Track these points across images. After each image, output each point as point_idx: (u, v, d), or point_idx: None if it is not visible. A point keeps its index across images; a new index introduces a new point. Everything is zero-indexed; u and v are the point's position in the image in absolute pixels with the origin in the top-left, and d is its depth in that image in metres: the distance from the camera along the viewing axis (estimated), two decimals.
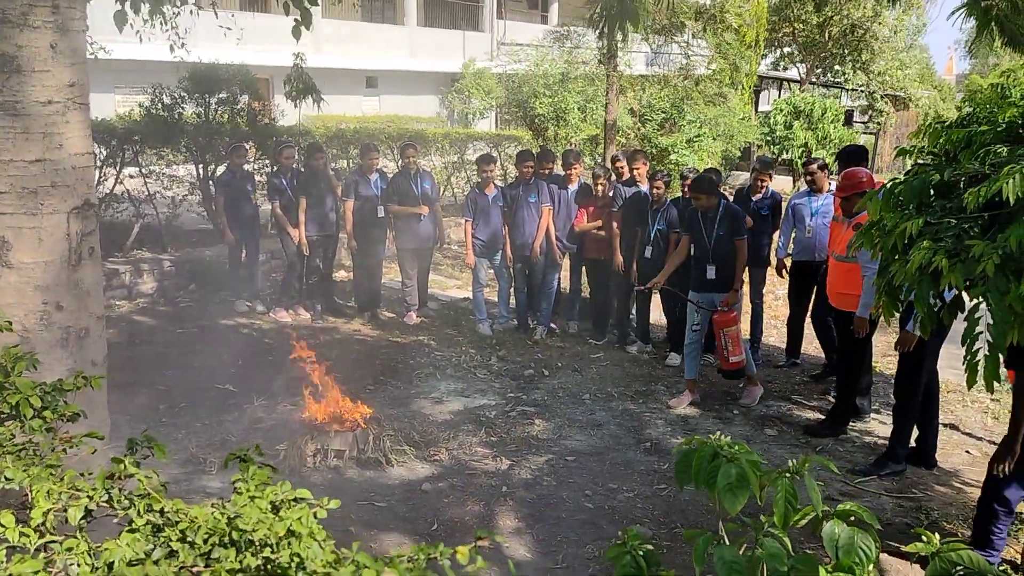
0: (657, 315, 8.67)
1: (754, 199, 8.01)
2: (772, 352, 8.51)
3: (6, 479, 1.56)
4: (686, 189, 7.87)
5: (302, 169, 8.94)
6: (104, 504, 1.53)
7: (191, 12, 6.09)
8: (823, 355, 7.73)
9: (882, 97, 24.60)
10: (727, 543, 1.77)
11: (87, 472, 1.61)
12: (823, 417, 6.63)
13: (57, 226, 3.17)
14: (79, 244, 3.23)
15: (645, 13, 10.76)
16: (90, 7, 5.52)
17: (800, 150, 19.63)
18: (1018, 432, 4.39)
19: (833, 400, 6.82)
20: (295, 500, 1.51)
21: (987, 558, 4.50)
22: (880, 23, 23.49)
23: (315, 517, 1.49)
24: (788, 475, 1.84)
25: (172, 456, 5.49)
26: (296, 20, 4.96)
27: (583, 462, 5.72)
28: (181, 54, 8.54)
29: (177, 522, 1.44)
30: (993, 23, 5.29)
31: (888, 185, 3.27)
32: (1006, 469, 4.28)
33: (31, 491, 1.53)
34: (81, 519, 1.52)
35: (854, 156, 6.98)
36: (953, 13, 5.73)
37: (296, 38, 5.09)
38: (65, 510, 1.50)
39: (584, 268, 8.76)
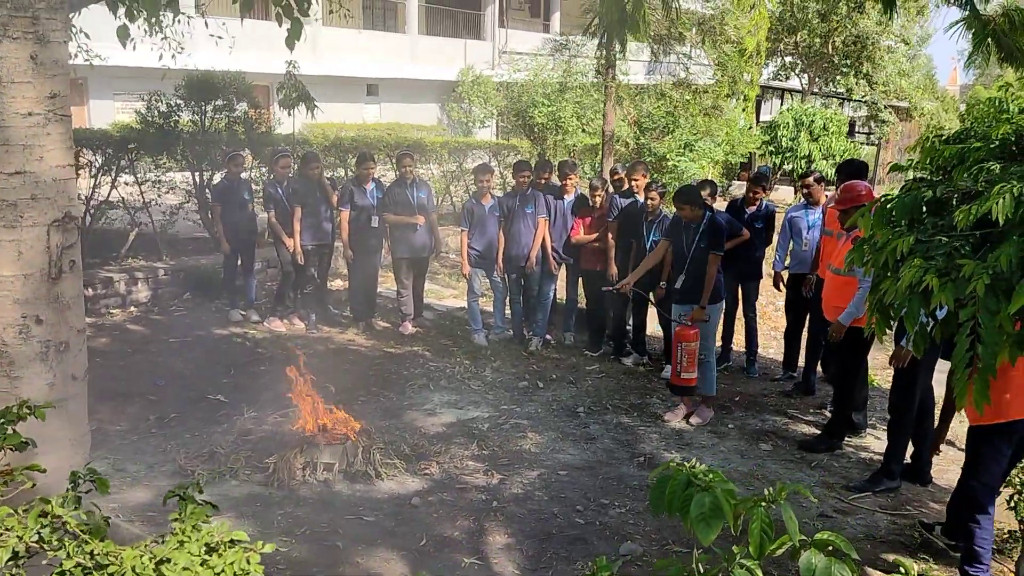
0: (653, 327, 8.63)
1: (748, 211, 7.98)
2: (769, 365, 8.46)
3: None
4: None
5: (297, 177, 8.92)
6: (35, 544, 1.49)
7: (183, 20, 6.07)
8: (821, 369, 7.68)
9: (885, 108, 24.57)
10: (700, 574, 1.72)
11: (21, 509, 1.57)
12: (818, 432, 6.58)
13: (37, 239, 3.14)
14: (59, 257, 3.19)
15: (645, 24, 10.72)
16: (87, 15, 5.51)
17: (803, 161, 19.59)
18: (948, 419, 4.41)
19: (829, 414, 6.77)
20: (231, 542, 1.46)
21: (979, 573, 4.46)
22: (886, 34, 23.46)
23: (248, 562, 1.44)
24: (764, 504, 1.80)
25: (160, 468, 5.45)
26: (289, 31, 4.94)
27: (575, 477, 5.67)
28: (170, 61, 8.51)
29: (106, 565, 1.39)
30: (990, 38, 5.25)
31: (880, 201, 3.24)
32: (937, 449, 4.57)
33: None
34: (8, 560, 1.47)
35: (854, 170, 6.94)
36: (952, 26, 5.69)
37: (290, 48, 5.07)
38: None
39: (580, 279, 8.73)
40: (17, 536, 1.46)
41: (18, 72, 2.99)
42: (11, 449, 1.84)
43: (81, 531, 1.45)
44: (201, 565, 1.38)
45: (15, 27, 2.96)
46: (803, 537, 1.80)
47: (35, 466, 1.78)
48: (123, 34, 4.82)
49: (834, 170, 18.59)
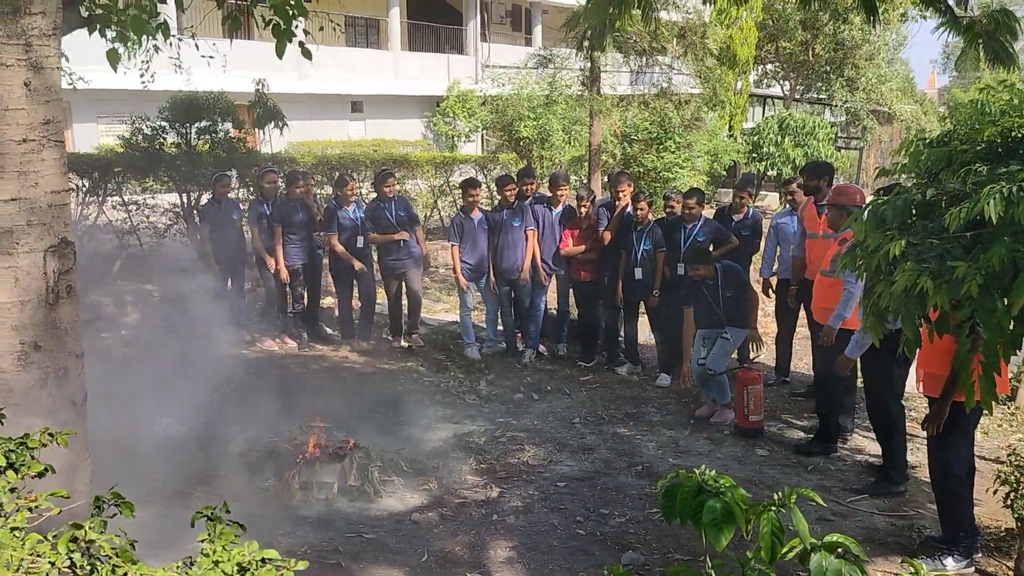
0: (645, 335, 8.65)
1: (735, 219, 8.03)
2: (761, 371, 8.47)
3: None
4: (670, 210, 7.97)
5: (283, 196, 8.89)
6: (67, 570, 1.49)
7: (173, 43, 6.07)
8: (813, 372, 7.71)
9: (868, 113, 24.75)
10: None
11: (51, 534, 1.57)
12: (812, 436, 6.61)
13: (34, 265, 3.13)
14: (56, 283, 3.19)
15: (631, 23, 10.77)
16: (71, 38, 5.51)
17: (787, 167, 19.65)
18: (950, 396, 4.50)
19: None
20: (263, 561, 1.46)
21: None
22: (867, 41, 23.66)
23: None
24: (774, 508, 1.81)
25: (158, 491, 5.41)
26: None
27: (574, 488, 5.67)
28: (164, 83, 8.50)
29: None
30: (979, 39, 5.33)
31: (873, 205, 3.28)
32: (936, 429, 4.62)
33: None
34: None
35: (821, 171, 7.02)
36: (938, 28, 5.78)
37: (279, 55, 5.03)
38: None
39: (571, 289, 8.75)
40: (50, 562, 1.46)
41: (12, 99, 3.00)
42: (33, 477, 1.84)
43: (113, 554, 1.45)
44: None
45: (8, 54, 2.96)
46: (813, 540, 1.82)
47: (59, 492, 1.78)
48: (113, 58, 4.82)
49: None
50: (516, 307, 8.73)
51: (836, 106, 25.58)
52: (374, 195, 9.12)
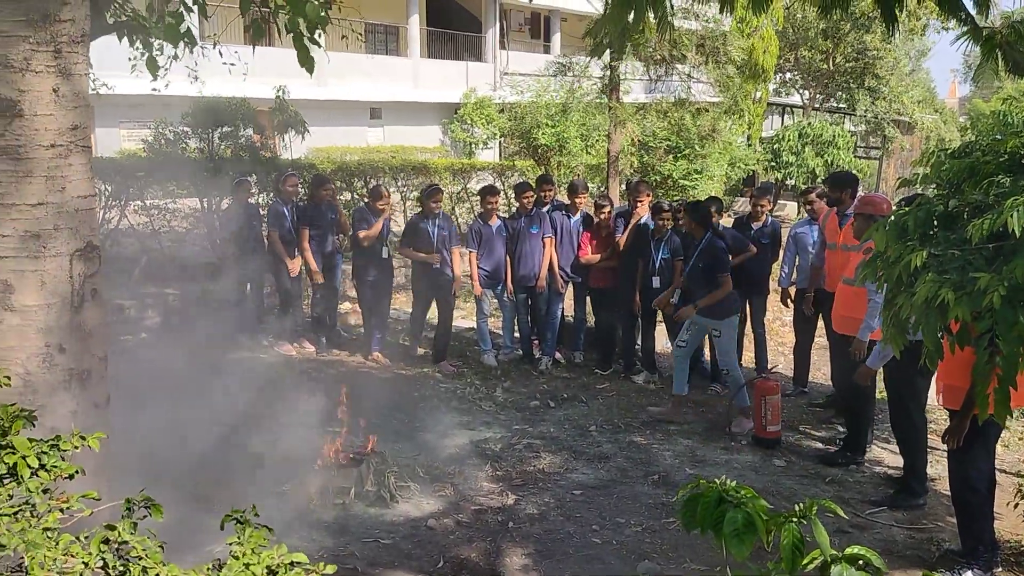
0: (662, 344, 8.64)
1: (754, 227, 8.01)
2: (779, 381, 8.44)
3: (0, 545, 1.54)
4: (679, 220, 7.99)
5: (304, 201, 8.92)
6: (99, 570, 1.51)
7: (199, 50, 6.13)
8: (831, 383, 7.68)
9: (888, 123, 24.63)
10: None
11: (83, 535, 1.59)
12: (831, 448, 6.58)
13: (60, 268, 3.17)
14: (82, 286, 3.23)
15: (651, 32, 10.77)
16: (94, 44, 5.58)
17: (806, 176, 19.56)
18: (970, 409, 4.46)
19: (842, 428, 6.77)
20: (291, 564, 1.48)
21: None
22: (888, 50, 23.57)
23: None
24: (795, 519, 1.81)
25: (173, 494, 5.44)
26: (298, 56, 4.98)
27: (590, 496, 5.67)
28: (160, 85, 8.50)
29: None
30: (998, 49, 5.30)
31: (894, 215, 3.27)
32: (957, 442, 4.57)
33: (26, 557, 1.51)
34: None
35: (846, 182, 6.99)
36: (958, 39, 5.77)
37: (309, 71, 5.07)
38: None
39: (588, 297, 8.75)
40: (83, 562, 1.49)
41: (41, 105, 3.04)
42: (64, 478, 1.87)
43: (144, 555, 1.48)
44: None
45: (38, 60, 3.01)
46: (834, 552, 1.81)
47: (89, 494, 1.81)
48: (153, 66, 4.86)
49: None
50: (533, 314, 8.74)
51: (856, 115, 25.47)
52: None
